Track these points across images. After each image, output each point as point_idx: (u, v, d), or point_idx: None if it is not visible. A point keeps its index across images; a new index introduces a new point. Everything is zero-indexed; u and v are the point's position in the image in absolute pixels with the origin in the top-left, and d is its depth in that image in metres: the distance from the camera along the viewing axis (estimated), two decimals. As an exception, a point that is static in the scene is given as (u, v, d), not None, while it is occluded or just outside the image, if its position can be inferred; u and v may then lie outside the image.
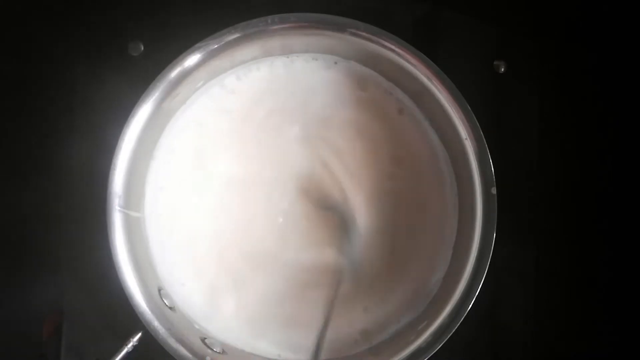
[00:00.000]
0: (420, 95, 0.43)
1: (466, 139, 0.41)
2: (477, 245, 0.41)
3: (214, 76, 0.44)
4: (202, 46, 0.41)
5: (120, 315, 0.42)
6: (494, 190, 0.41)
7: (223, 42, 0.41)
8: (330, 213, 0.44)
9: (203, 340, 0.41)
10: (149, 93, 0.40)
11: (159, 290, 0.41)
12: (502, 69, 0.47)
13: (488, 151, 0.41)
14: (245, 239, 0.44)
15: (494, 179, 0.41)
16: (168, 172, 0.44)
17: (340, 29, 0.42)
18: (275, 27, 0.41)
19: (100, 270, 0.42)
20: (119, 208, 0.40)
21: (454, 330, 0.40)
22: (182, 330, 0.40)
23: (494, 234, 0.41)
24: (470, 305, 0.40)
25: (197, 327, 0.43)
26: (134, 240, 0.40)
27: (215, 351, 0.41)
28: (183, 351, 0.39)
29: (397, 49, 0.42)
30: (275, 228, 0.44)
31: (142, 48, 0.45)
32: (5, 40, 0.47)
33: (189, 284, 0.44)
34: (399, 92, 0.45)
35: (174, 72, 0.41)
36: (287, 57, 0.44)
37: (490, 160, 0.41)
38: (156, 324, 0.39)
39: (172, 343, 0.39)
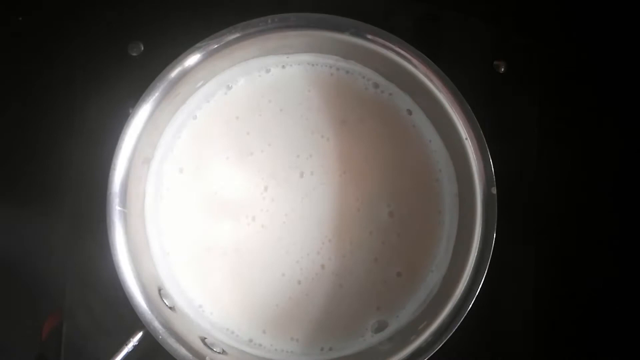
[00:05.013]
0: (420, 95, 0.43)
1: (466, 139, 0.41)
2: (477, 245, 0.41)
3: (214, 76, 0.44)
4: (202, 46, 0.41)
5: (120, 315, 0.42)
6: (494, 190, 0.41)
7: (223, 42, 0.41)
8: (330, 210, 0.44)
9: (203, 340, 0.41)
10: (149, 93, 0.40)
11: (159, 290, 0.41)
12: (502, 69, 0.47)
13: (488, 151, 0.41)
14: (245, 238, 0.44)
15: (494, 179, 0.41)
16: (168, 172, 0.44)
17: (340, 29, 0.42)
18: (275, 27, 0.41)
19: (100, 270, 0.42)
20: (119, 208, 0.40)
21: (454, 330, 0.40)
22: (182, 330, 0.40)
23: (494, 234, 0.41)
24: (470, 305, 0.40)
25: (197, 327, 0.43)
26: (134, 241, 0.40)
27: (215, 351, 0.41)
28: (183, 351, 0.39)
29: (397, 49, 0.42)
30: (276, 227, 0.44)
31: (142, 48, 0.45)
32: (5, 41, 0.47)
33: (189, 284, 0.44)
34: (399, 91, 0.45)
35: (174, 72, 0.41)
36: (287, 57, 0.44)
37: (491, 160, 0.41)
38: (156, 324, 0.39)
39: (172, 343, 0.39)
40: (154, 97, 0.40)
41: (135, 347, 0.40)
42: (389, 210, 0.45)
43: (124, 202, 0.40)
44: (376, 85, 0.45)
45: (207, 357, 0.40)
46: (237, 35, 0.41)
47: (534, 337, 0.46)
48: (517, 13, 0.49)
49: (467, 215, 0.42)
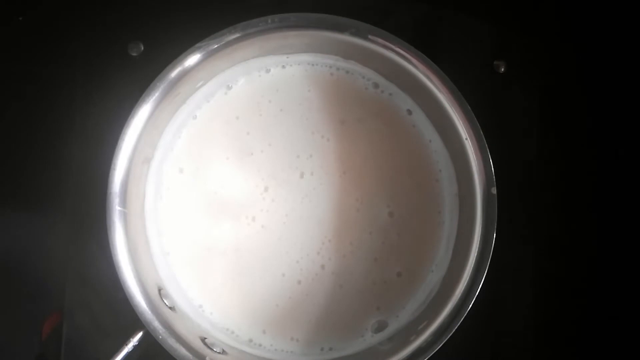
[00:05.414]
0: (420, 95, 0.43)
1: (466, 139, 0.41)
2: (477, 245, 0.41)
3: (214, 76, 0.44)
4: (202, 46, 0.41)
5: (120, 315, 0.42)
6: (494, 190, 0.41)
7: (223, 42, 0.41)
8: (330, 210, 0.44)
9: (203, 340, 0.41)
10: (149, 93, 0.40)
11: (159, 290, 0.41)
12: (502, 69, 0.47)
13: (488, 151, 0.41)
14: (245, 238, 0.44)
15: (494, 179, 0.41)
16: (168, 172, 0.44)
17: (340, 29, 0.42)
18: (275, 27, 0.41)
19: (100, 270, 0.42)
20: (119, 208, 0.40)
21: (454, 330, 0.40)
22: (182, 330, 0.40)
23: (494, 234, 0.41)
24: (470, 305, 0.40)
25: (197, 327, 0.43)
26: (134, 240, 0.40)
27: (215, 351, 0.41)
28: (183, 351, 0.39)
29: (397, 49, 0.42)
30: (276, 228, 0.44)
31: (142, 48, 0.45)
32: (5, 41, 0.47)
33: (189, 284, 0.44)
34: (399, 91, 0.45)
35: (174, 72, 0.41)
36: (287, 57, 0.44)
37: (491, 161, 0.41)
38: (156, 324, 0.39)
39: (172, 343, 0.39)
40: (154, 97, 0.40)
41: (135, 347, 0.40)
42: (389, 210, 0.45)
43: (124, 202, 0.40)
44: (376, 85, 0.45)
45: (207, 357, 0.40)
46: (237, 35, 0.41)
47: (534, 337, 0.46)
48: (517, 13, 0.49)
49: (467, 215, 0.42)
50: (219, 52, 0.41)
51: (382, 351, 0.42)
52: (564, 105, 0.49)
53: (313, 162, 0.45)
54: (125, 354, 0.40)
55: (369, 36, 0.42)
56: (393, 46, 0.42)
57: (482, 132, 0.41)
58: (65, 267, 0.44)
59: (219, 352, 0.41)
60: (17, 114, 0.47)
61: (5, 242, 0.47)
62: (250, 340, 0.44)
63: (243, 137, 0.45)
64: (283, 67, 0.45)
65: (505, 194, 0.41)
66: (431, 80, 0.42)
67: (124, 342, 0.40)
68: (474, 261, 0.41)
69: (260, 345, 0.44)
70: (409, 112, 0.45)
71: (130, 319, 0.40)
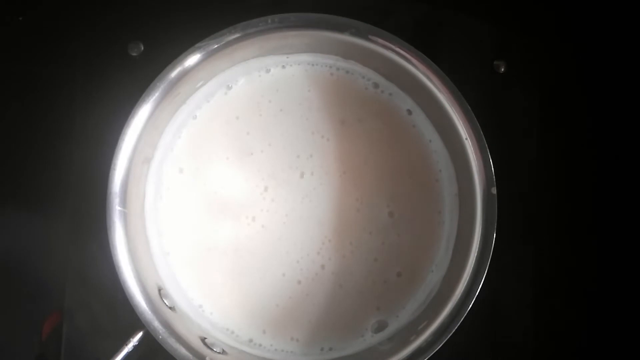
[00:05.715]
0: (420, 95, 0.43)
1: (466, 139, 0.41)
2: (477, 245, 0.41)
3: (214, 76, 0.44)
4: (202, 46, 0.41)
5: (120, 315, 0.42)
6: (494, 190, 0.41)
7: (223, 42, 0.41)
8: (330, 210, 0.44)
9: (203, 340, 0.41)
10: (149, 93, 0.40)
11: (159, 290, 0.41)
12: (502, 69, 0.47)
13: (488, 151, 0.41)
14: (245, 238, 0.44)
15: (494, 179, 0.41)
16: (168, 172, 0.44)
17: (340, 29, 0.42)
18: (275, 27, 0.41)
19: (100, 270, 0.42)
20: (119, 208, 0.40)
21: (454, 331, 0.40)
22: (182, 330, 0.40)
23: (494, 234, 0.41)
24: (470, 305, 0.40)
25: (197, 327, 0.43)
26: (134, 241, 0.40)
27: (215, 351, 0.41)
28: (183, 351, 0.39)
29: (397, 49, 0.42)
30: (276, 227, 0.44)
31: (142, 48, 0.45)
32: (5, 41, 0.47)
33: (189, 284, 0.44)
34: (399, 91, 0.45)
35: (174, 72, 0.41)
36: (287, 57, 0.44)
37: (491, 160, 0.41)
38: (156, 324, 0.39)
39: (172, 343, 0.39)
40: (154, 97, 0.40)
41: (135, 347, 0.40)
42: (389, 210, 0.45)
43: (124, 202, 0.40)
44: (376, 85, 0.45)
45: (207, 357, 0.40)
46: (237, 35, 0.41)
47: (534, 337, 0.46)
48: (517, 13, 0.49)
49: (467, 215, 0.42)
50: (219, 52, 0.41)
51: (382, 351, 0.42)
52: (564, 105, 0.49)
53: (313, 162, 0.45)
54: (125, 354, 0.40)
55: (369, 36, 0.42)
56: (393, 46, 0.42)
57: (482, 132, 0.41)
58: (65, 267, 0.44)
59: (219, 352, 0.41)
60: (17, 114, 0.47)
61: (5, 242, 0.47)
62: (250, 340, 0.44)
63: (243, 137, 0.45)
64: (283, 67, 0.45)
65: (505, 194, 0.41)
66: (431, 80, 0.42)
67: (124, 342, 0.40)
68: (474, 261, 0.41)
69: (260, 345, 0.44)
70: (409, 112, 0.45)
71: (130, 319, 0.40)
